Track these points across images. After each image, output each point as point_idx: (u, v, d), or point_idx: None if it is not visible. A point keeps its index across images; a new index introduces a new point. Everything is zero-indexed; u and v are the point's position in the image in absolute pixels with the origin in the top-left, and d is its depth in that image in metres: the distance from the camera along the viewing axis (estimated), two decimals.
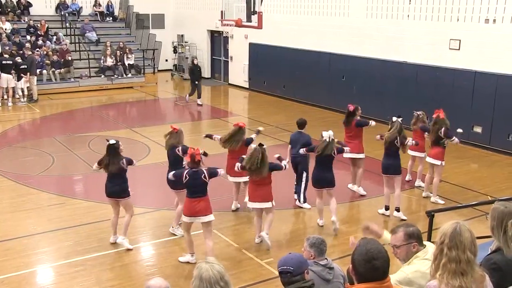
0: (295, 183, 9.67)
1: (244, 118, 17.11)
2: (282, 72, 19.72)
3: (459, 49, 13.83)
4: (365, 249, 3.01)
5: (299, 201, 9.56)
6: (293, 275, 3.70)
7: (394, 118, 9.12)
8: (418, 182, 10.55)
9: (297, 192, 9.59)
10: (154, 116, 17.58)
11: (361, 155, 10.07)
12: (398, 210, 9.05)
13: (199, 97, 18.62)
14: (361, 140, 10.08)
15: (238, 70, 22.28)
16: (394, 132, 8.88)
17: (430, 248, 3.73)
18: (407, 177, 10.79)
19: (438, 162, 9.53)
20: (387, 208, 9.13)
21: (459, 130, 10.07)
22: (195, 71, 18.57)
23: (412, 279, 3.57)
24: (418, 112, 10.31)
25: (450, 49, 14.03)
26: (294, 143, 9.52)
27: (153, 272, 7.22)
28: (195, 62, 18.88)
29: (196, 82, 18.43)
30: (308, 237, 4.71)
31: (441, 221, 3.52)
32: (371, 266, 2.95)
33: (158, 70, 23.79)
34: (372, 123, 10.07)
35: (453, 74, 13.90)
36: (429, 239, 6.46)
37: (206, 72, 24.76)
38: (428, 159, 9.72)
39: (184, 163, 8.05)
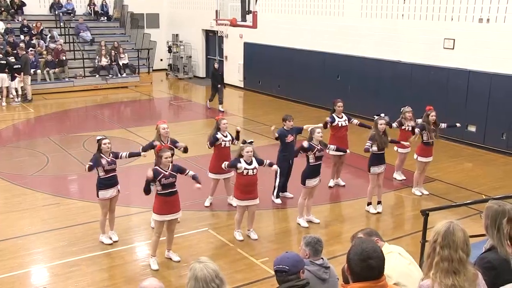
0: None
1: (239, 118, 17.11)
2: (277, 71, 19.72)
3: (453, 49, 13.88)
4: (361, 248, 3.02)
5: (273, 195, 9.74)
6: (288, 274, 3.70)
7: (376, 117, 9.18)
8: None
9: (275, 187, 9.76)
10: (149, 116, 17.54)
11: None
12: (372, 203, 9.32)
13: (220, 103, 17.54)
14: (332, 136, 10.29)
15: (233, 70, 22.27)
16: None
17: (386, 244, 4.02)
18: (399, 176, 10.79)
19: (415, 156, 9.97)
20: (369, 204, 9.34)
21: (458, 125, 10.55)
22: (216, 75, 17.66)
23: (389, 275, 3.61)
24: (407, 109, 10.42)
25: (444, 48, 14.07)
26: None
27: (148, 272, 7.20)
28: (216, 66, 17.85)
29: (219, 86, 17.51)
30: (305, 236, 4.72)
31: (436, 220, 3.53)
32: (367, 265, 2.96)
33: (153, 70, 23.74)
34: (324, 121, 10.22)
35: (448, 73, 13.95)
36: (423, 238, 6.47)
37: (201, 71, 24.75)
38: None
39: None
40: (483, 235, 3.84)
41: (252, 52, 21.04)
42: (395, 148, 10.66)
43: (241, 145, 7.96)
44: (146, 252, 7.95)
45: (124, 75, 21.92)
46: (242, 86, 21.84)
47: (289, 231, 8.72)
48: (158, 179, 6.98)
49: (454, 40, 13.83)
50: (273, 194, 9.74)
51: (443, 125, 10.25)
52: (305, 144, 8.25)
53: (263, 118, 16.36)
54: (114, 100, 19.76)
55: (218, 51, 23.73)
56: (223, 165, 8.01)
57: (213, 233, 8.40)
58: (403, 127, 10.45)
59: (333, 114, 10.21)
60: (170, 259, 7.47)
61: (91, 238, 8.15)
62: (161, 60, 25.63)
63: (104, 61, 21.53)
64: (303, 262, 3.90)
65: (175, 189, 7.19)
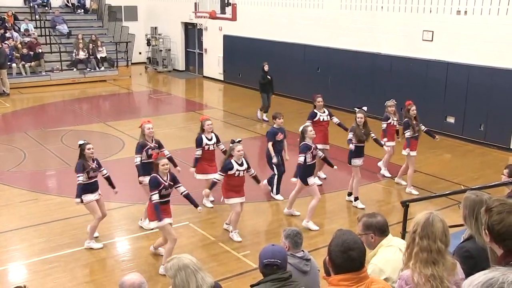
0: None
1: (219, 111, 17.07)
2: (257, 64, 19.61)
3: (432, 40, 14.01)
4: (341, 240, 3.04)
5: (272, 192, 9.73)
6: (279, 268, 3.69)
7: (356, 109, 9.22)
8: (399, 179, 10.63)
9: (271, 183, 9.74)
10: (128, 110, 17.42)
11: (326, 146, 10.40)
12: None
13: (266, 111, 15.25)
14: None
15: (213, 63, 22.18)
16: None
17: (394, 238, 3.85)
18: (387, 173, 10.82)
19: (405, 152, 9.90)
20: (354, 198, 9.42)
21: (437, 138, 10.50)
22: (266, 79, 15.11)
23: (382, 269, 3.64)
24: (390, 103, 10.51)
25: (423, 40, 14.19)
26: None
27: (128, 267, 7.17)
28: (266, 68, 15.02)
29: (271, 93, 15.28)
30: (285, 229, 4.74)
31: (416, 211, 3.57)
32: (348, 256, 2.98)
33: (132, 63, 23.52)
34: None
35: (426, 65, 14.08)
36: (404, 229, 6.54)
37: (180, 64, 24.61)
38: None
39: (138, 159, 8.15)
40: (461, 225, 3.89)
41: (231, 44, 20.97)
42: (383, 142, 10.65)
43: (231, 144, 7.87)
44: (126, 247, 7.91)
45: (102, 68, 21.69)
46: (222, 79, 21.78)
47: (270, 224, 8.75)
48: (159, 189, 6.86)
49: (432, 32, 13.96)
50: (272, 191, 9.71)
51: (423, 127, 10.16)
52: (301, 159, 8.20)
53: (244, 111, 16.35)
54: (93, 94, 19.55)
55: (197, 44, 23.62)
56: (218, 176, 7.85)
57: (194, 227, 8.39)
58: (389, 122, 10.45)
59: (315, 110, 10.22)
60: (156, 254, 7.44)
61: (70, 234, 8.08)
62: (140, 53, 25.39)
63: (82, 55, 21.26)
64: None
65: (169, 198, 7.16)
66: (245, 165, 7.84)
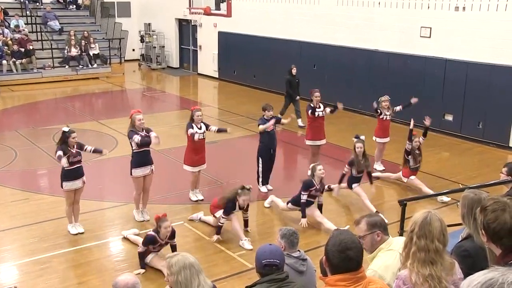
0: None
1: (214, 109, 17.05)
2: (252, 61, 19.68)
3: (430, 37, 14.03)
4: (339, 239, 3.03)
5: (258, 183, 9.82)
6: (278, 268, 3.66)
7: (355, 139, 9.21)
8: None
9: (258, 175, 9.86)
10: (121, 108, 17.35)
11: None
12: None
13: (299, 116, 14.25)
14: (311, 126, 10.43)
15: (208, 60, 22.15)
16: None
17: (394, 240, 3.81)
18: (379, 167, 10.92)
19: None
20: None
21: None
22: (293, 83, 14.39)
23: (382, 275, 3.61)
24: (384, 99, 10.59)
25: (421, 37, 14.21)
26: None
27: (122, 267, 7.15)
28: (294, 71, 14.36)
29: (297, 98, 14.38)
30: (281, 228, 4.74)
31: (414, 210, 3.57)
32: (345, 256, 2.98)
33: (125, 60, 23.46)
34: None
35: (424, 62, 14.10)
36: (401, 229, 6.56)
37: (174, 61, 24.57)
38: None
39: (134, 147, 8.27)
40: (460, 224, 3.90)
41: (226, 41, 20.94)
42: (374, 138, 10.78)
43: (239, 190, 7.83)
44: (120, 247, 7.89)
45: (95, 65, 21.63)
46: (217, 76, 21.74)
47: (266, 224, 8.75)
48: (153, 246, 6.94)
49: (430, 28, 13.98)
50: (258, 182, 9.81)
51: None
52: (304, 198, 8.22)
53: (239, 109, 16.33)
54: (85, 91, 19.48)
55: (192, 40, 23.57)
56: (222, 220, 7.83)
57: (189, 226, 8.38)
58: (381, 117, 10.60)
59: (311, 104, 10.28)
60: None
61: (62, 234, 8.05)
62: (133, 50, 25.33)
63: (74, 51, 21.19)
64: None
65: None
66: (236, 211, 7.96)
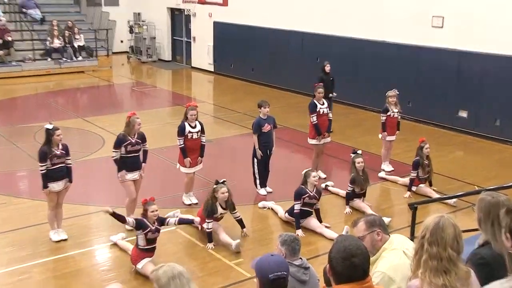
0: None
1: (209, 105, 17.03)
2: (250, 54, 19.66)
3: (442, 27, 14.01)
4: (343, 246, 3.01)
5: (256, 187, 9.87)
6: (285, 280, 3.41)
7: (353, 154, 9.21)
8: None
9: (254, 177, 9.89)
10: (108, 104, 17.34)
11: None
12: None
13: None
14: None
15: (202, 52, 22.13)
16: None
17: (394, 238, 3.83)
18: (387, 167, 10.90)
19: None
20: None
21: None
22: (326, 82, 13.07)
23: (392, 277, 3.60)
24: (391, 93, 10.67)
25: (432, 27, 14.19)
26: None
27: (109, 277, 7.12)
28: (327, 68, 13.45)
29: (330, 96, 13.15)
30: (281, 234, 4.73)
31: (425, 215, 3.55)
32: (350, 264, 2.95)
33: (113, 53, 23.45)
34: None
35: (436, 54, 14.08)
36: (412, 235, 6.54)
37: (166, 54, 24.54)
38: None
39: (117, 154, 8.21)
40: (476, 229, 3.87)
41: (222, 32, 20.91)
42: (380, 135, 10.78)
43: (214, 186, 7.90)
44: (107, 255, 7.86)
45: (80, 58, 21.58)
46: (212, 70, 21.72)
47: (265, 229, 8.73)
48: (144, 232, 7.01)
49: (443, 17, 13.96)
50: (255, 185, 9.84)
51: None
52: (297, 207, 8.24)
53: (236, 105, 16.32)
54: (69, 86, 19.44)
55: (185, 31, 23.55)
56: (206, 225, 7.88)
57: (182, 232, 8.35)
58: (388, 114, 10.60)
59: (314, 100, 10.29)
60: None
61: (44, 241, 8.01)
62: (122, 41, 25.30)
63: (57, 43, 21.14)
64: None
65: (156, 245, 7.24)
66: (226, 210, 8.01)
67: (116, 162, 8.24)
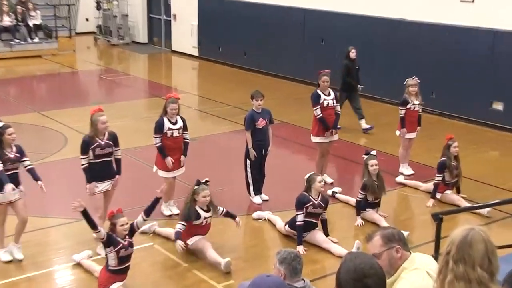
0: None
1: (193, 96, 17.00)
2: (242, 35, 19.63)
3: (473, 1, 14.03)
4: (353, 264, 3.00)
5: (250, 194, 9.90)
6: None
7: (365, 156, 9.22)
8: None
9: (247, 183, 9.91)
10: (72, 95, 17.27)
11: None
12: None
13: (361, 116, 13.60)
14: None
15: (184, 33, 22.11)
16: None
17: (416, 256, 3.80)
18: (407, 171, 10.89)
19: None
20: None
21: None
22: (351, 70, 13.37)
23: None
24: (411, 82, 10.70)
25: (461, 1, 14.22)
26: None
27: None
28: (353, 54, 13.38)
29: (359, 87, 13.54)
30: (279, 251, 4.72)
31: (452, 227, 3.53)
32: (362, 286, 2.95)
33: (76, 33, 23.41)
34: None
35: (466, 35, 14.09)
36: (436, 251, 6.53)
37: (141, 35, 24.49)
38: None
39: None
40: None
41: (209, 9, 20.91)
42: (397, 132, 10.78)
43: (195, 187, 7.95)
44: (69, 277, 7.83)
45: (36, 40, 21.53)
46: (197, 55, 21.71)
47: (261, 245, 8.72)
48: (116, 249, 6.95)
49: None
50: (248, 191, 9.84)
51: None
52: (300, 219, 8.22)
53: (225, 97, 16.29)
54: (23, 73, 19.42)
55: (163, 8, 23.51)
56: (179, 226, 7.90)
57: (161, 249, 8.32)
58: (408, 107, 10.58)
59: (318, 90, 10.28)
60: None
61: None
62: (87, 20, 25.25)
63: (7, 21, 21.05)
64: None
65: (129, 263, 7.20)
66: (210, 212, 8.04)
67: (85, 171, 8.18)
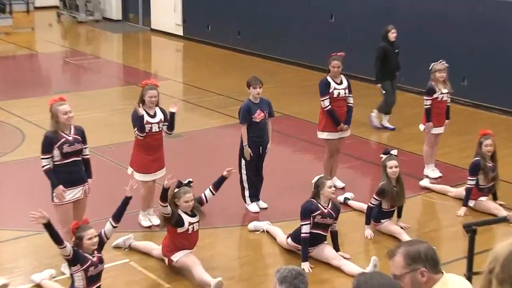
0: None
1: (176, 84, 17.00)
2: (235, 10, 19.63)
3: None
4: (370, 286, 3.00)
5: (245, 201, 9.91)
6: None
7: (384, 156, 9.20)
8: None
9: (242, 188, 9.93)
10: (30, 82, 17.26)
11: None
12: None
13: (388, 111, 13.58)
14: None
15: (166, 8, 22.11)
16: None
17: (450, 278, 3.76)
18: (433, 173, 10.90)
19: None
20: None
21: None
22: (389, 55, 13.15)
23: None
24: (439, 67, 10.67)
25: None
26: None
27: None
28: (393, 35, 13.18)
29: (397, 74, 13.43)
30: (279, 269, 4.71)
31: (490, 241, 3.52)
32: None
33: (35, 8, 23.36)
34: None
35: (505, 9, 14.13)
36: (469, 270, 6.54)
37: (114, 11, 24.47)
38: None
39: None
40: None
41: None
42: (422, 127, 10.77)
43: (176, 189, 7.93)
44: None
45: None
46: (181, 34, 21.77)
47: (258, 262, 8.73)
48: (83, 267, 6.94)
49: None
50: (243, 198, 9.85)
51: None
52: (306, 230, 8.20)
53: (215, 84, 16.31)
54: None
55: None
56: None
57: (138, 267, 8.32)
58: (435, 96, 10.56)
59: (328, 77, 10.25)
60: None
61: None
62: None
63: None
64: None
65: (100, 284, 7.20)
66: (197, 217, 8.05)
67: (48, 174, 8.10)
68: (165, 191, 7.78)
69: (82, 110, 12.85)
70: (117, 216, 7.42)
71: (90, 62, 19.22)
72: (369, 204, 9.10)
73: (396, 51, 13.32)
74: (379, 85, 13.27)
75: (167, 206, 7.72)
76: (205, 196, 8.16)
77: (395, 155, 9.12)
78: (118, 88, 17.08)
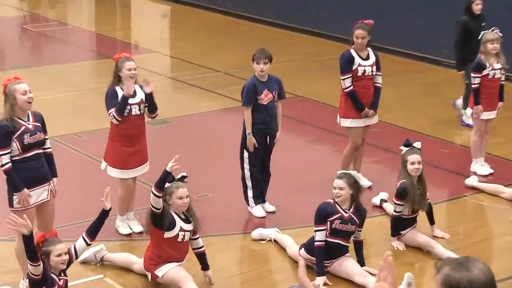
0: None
1: (163, 57, 17.07)
2: None
3: None
4: None
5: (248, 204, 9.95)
6: None
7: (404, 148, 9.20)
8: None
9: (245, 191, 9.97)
10: None
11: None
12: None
13: (466, 104, 12.66)
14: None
15: None
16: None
17: None
18: (483, 169, 10.92)
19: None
20: None
21: None
22: (472, 30, 12.86)
23: None
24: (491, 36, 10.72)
25: None
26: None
27: None
28: (477, 8, 13.14)
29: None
30: (293, 285, 4.77)
31: None
32: None
33: None
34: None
35: None
36: None
37: None
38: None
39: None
40: None
41: None
42: (469, 111, 10.77)
43: (167, 184, 7.93)
44: None
45: None
46: None
47: (265, 278, 8.76)
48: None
49: None
50: (246, 199, 9.91)
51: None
52: (320, 237, 8.24)
53: (211, 58, 16.37)
54: None
55: None
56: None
57: (114, 283, 8.39)
58: (485, 72, 10.56)
59: (351, 50, 10.27)
60: None
61: None
62: None
63: None
64: None
65: None
66: (191, 225, 8.07)
67: (10, 174, 7.94)
68: (166, 175, 7.70)
69: (44, 89, 12.91)
70: (93, 232, 7.40)
71: (54, 29, 19.30)
72: (393, 212, 9.13)
73: (482, 25, 12.84)
74: (462, 71, 13.03)
75: (161, 197, 7.67)
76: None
77: (418, 148, 9.09)
78: (89, 63, 17.15)
